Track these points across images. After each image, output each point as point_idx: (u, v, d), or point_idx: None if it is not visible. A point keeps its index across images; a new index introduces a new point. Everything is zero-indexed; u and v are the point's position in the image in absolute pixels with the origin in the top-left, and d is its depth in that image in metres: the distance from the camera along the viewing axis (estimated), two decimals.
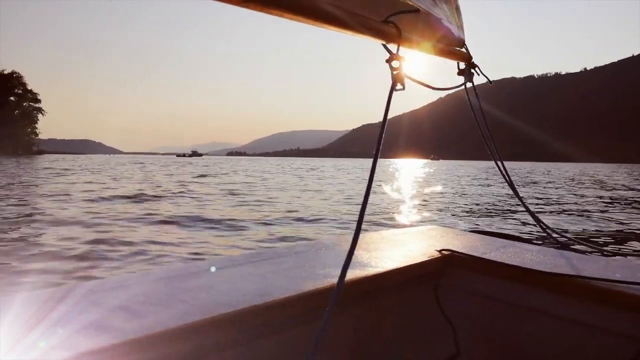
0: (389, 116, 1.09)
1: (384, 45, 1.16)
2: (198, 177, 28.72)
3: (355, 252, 1.54)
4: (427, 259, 1.49)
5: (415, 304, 1.54)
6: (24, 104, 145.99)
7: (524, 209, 1.74)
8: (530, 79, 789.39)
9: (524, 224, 9.31)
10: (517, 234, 7.32)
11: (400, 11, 1.18)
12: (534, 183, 28.00)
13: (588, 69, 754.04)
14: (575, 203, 14.46)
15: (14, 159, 72.25)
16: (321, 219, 9.71)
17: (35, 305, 0.94)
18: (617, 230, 9.08)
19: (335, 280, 1.17)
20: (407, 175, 40.85)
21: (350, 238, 0.93)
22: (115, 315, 0.91)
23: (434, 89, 1.28)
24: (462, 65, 1.57)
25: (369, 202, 0.99)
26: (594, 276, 1.26)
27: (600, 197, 16.84)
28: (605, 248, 1.87)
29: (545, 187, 23.37)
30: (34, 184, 19.35)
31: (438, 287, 1.58)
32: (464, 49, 1.56)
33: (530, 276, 1.35)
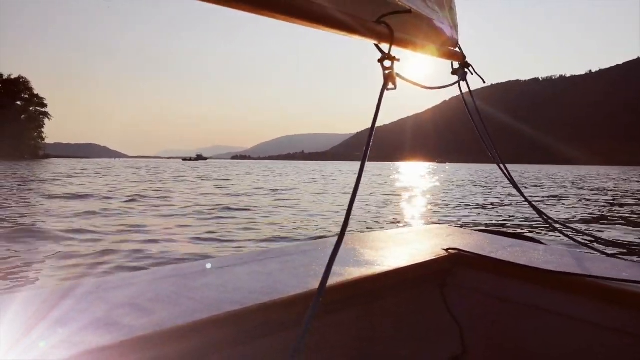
0: (386, 117, 1.12)
1: (376, 45, 1.19)
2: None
3: (362, 250, 1.56)
4: (434, 257, 1.50)
5: (422, 303, 1.55)
6: (30, 108, 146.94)
7: (528, 206, 1.72)
8: (534, 81, 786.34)
9: (531, 223, 9.29)
10: (524, 233, 7.34)
11: (393, 12, 1.21)
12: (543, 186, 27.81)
13: (593, 71, 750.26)
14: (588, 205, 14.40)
15: (24, 163, 72.69)
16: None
17: (42, 301, 0.95)
18: (625, 229, 9.05)
19: (341, 279, 1.19)
20: (423, 178, 40.67)
21: (360, 236, 0.92)
22: (123, 312, 0.92)
23: (425, 88, 1.31)
24: (456, 65, 1.60)
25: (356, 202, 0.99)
26: (603, 275, 1.25)
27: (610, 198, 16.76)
28: (611, 245, 1.86)
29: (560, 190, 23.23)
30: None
31: (444, 286, 1.58)
32: (457, 49, 1.58)
33: (537, 275, 1.35)
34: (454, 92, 1.65)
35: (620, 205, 14.19)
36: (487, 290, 1.50)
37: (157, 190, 18.19)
